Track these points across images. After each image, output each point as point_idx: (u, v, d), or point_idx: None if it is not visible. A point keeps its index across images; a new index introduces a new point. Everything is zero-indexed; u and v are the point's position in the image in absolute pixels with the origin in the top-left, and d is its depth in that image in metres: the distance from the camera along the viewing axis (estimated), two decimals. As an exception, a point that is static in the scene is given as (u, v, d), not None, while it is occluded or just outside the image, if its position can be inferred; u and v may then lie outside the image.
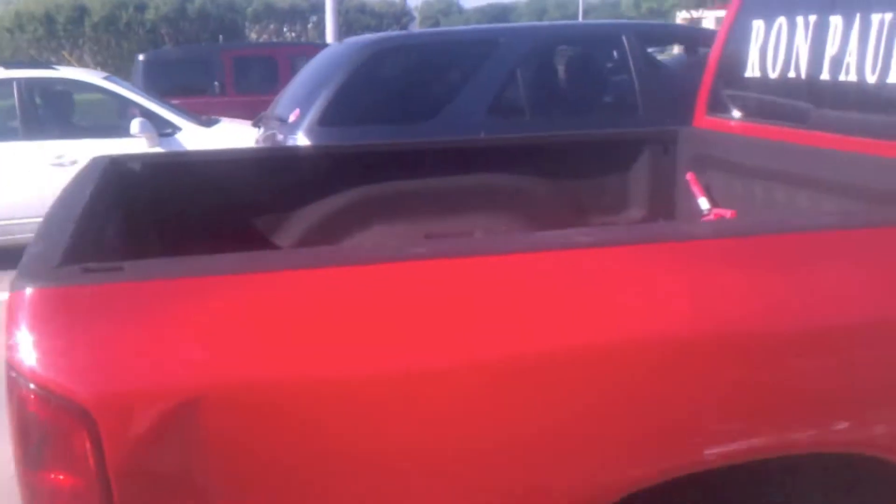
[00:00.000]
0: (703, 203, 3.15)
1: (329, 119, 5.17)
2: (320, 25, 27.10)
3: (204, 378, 1.36)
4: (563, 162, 3.27)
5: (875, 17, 2.44)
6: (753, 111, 3.03)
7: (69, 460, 1.35)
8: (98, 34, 28.42)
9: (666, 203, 3.36)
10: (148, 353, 1.35)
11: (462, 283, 1.49)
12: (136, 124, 6.90)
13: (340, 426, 1.41)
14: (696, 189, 3.21)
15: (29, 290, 1.38)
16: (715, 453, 1.58)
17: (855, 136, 2.52)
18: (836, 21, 2.59)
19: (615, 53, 5.93)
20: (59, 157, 6.75)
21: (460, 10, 63.05)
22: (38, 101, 7.24)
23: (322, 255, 1.54)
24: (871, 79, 2.45)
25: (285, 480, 1.40)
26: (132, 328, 1.36)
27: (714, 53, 3.21)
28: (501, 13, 61.51)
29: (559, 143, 3.33)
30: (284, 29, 33.53)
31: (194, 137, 7.27)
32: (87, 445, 1.33)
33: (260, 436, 1.38)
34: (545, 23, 13.90)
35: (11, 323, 1.37)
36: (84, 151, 6.42)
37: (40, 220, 1.90)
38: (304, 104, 5.32)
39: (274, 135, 5.48)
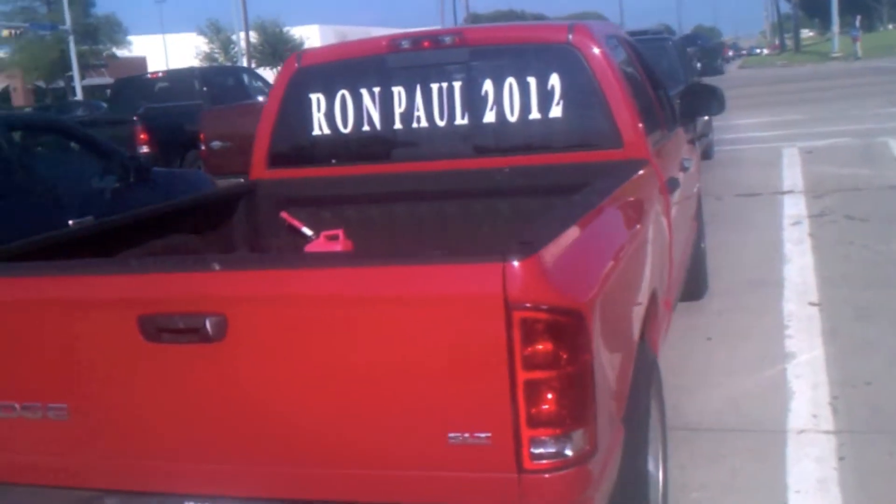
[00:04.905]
0: (307, 231, 3.85)
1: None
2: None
3: None
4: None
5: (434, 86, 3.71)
6: (326, 158, 3.91)
7: None
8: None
9: (270, 239, 3.94)
10: None
11: None
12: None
13: None
14: (295, 223, 3.88)
15: None
16: None
17: (427, 161, 3.74)
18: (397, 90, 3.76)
19: None
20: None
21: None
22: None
23: None
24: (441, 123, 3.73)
25: None
26: None
27: (266, 125, 3.96)
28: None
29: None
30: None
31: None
32: None
33: None
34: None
35: None
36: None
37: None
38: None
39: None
